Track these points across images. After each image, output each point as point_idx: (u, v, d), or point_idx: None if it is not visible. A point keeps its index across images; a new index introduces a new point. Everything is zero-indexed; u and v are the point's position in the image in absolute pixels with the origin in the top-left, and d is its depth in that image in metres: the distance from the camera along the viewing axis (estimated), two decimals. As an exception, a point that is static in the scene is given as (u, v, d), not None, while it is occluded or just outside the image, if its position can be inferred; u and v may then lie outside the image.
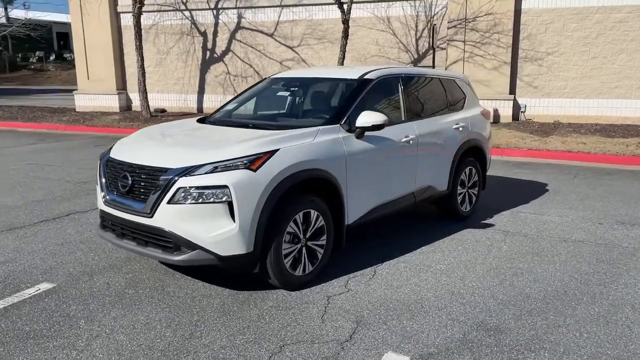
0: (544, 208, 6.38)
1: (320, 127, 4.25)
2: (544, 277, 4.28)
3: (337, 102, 4.88)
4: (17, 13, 33.33)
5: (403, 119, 5.05)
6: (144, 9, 14.96)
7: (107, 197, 4.06)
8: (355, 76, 4.88)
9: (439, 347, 3.19)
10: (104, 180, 4.15)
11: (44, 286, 4.06)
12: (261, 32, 15.70)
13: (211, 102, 16.44)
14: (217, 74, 16.47)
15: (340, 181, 4.20)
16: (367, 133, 4.45)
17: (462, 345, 3.21)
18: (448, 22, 13.50)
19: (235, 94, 15.56)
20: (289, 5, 15.19)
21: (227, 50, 16.21)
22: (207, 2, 16.04)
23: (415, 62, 14.16)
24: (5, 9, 40.67)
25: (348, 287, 4.07)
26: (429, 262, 4.60)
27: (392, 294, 3.95)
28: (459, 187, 5.74)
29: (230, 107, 5.38)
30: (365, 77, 4.86)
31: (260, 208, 3.62)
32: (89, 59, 17.30)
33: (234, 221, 3.55)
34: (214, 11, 16.11)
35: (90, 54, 17.24)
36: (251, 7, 15.64)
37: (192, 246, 3.58)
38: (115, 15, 17.02)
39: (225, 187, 3.52)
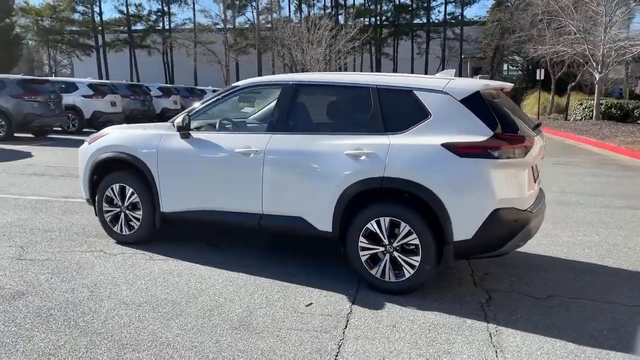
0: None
1: (155, 123, 5.20)
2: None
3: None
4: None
5: (267, 129, 4.56)
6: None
7: None
8: (234, 83, 4.98)
9: None
10: None
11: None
12: None
13: None
14: None
15: (152, 170, 4.81)
16: (195, 135, 4.71)
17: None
18: None
19: None
20: None
21: None
22: None
23: None
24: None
25: (110, 252, 4.82)
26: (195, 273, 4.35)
27: (107, 274, 4.34)
28: (363, 240, 4.02)
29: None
30: (235, 84, 4.89)
31: (89, 170, 5.13)
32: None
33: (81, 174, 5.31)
34: None
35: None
36: None
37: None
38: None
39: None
